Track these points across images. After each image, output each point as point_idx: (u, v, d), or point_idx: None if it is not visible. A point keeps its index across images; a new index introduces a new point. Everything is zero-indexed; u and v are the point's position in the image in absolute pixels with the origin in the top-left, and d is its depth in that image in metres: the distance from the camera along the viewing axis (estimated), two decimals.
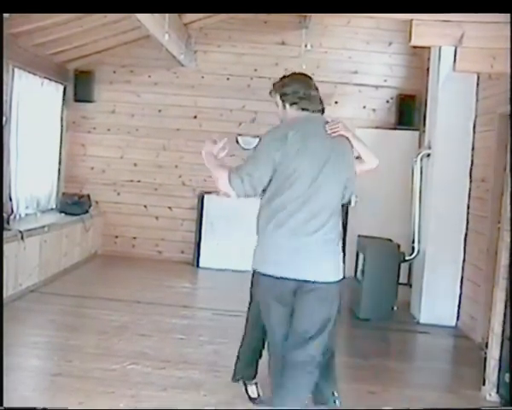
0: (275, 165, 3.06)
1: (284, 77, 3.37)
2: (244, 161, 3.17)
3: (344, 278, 3.29)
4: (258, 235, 3.24)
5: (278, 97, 3.31)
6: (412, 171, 6.50)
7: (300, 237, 3.07)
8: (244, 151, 8.47)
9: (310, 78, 3.36)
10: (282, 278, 3.08)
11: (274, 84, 3.37)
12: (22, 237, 6.02)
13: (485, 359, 4.35)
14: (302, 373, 3.16)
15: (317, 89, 3.30)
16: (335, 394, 3.65)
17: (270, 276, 3.11)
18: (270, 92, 3.37)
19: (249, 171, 3.07)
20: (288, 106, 3.27)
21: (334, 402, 3.63)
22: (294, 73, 3.40)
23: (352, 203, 3.55)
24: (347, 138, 3.23)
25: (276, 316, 3.19)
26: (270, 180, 3.10)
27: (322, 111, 3.31)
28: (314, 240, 3.08)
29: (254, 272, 3.34)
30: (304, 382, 3.20)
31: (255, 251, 3.23)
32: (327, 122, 3.22)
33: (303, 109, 3.23)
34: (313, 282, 3.09)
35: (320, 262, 3.10)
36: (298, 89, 3.25)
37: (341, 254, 3.26)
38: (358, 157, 3.36)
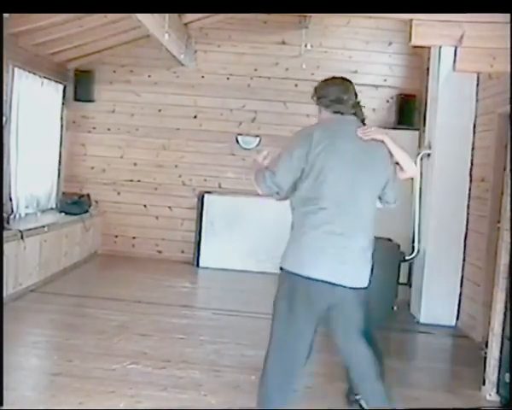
0: (300, 163, 3.07)
1: (323, 80, 3.40)
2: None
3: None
4: (291, 233, 3.24)
5: (315, 101, 3.35)
6: None
7: (336, 241, 3.07)
8: (244, 151, 8.50)
9: (349, 81, 3.36)
10: (318, 280, 3.05)
11: (314, 88, 3.40)
12: (22, 237, 6.02)
13: (485, 358, 4.35)
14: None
15: (354, 93, 3.30)
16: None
17: (306, 277, 3.06)
18: (312, 96, 3.39)
19: (272, 168, 3.13)
20: (322, 109, 3.31)
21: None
22: (334, 77, 3.41)
23: (396, 205, 3.47)
24: (384, 143, 3.19)
25: (301, 318, 3.16)
26: (301, 179, 3.10)
27: (359, 116, 3.29)
28: (351, 246, 3.11)
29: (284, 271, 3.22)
30: None
31: (287, 250, 3.21)
32: (361, 126, 3.21)
33: (335, 112, 3.25)
34: (349, 288, 3.13)
35: (355, 269, 3.15)
36: (332, 92, 3.26)
37: (371, 262, 3.30)
38: (397, 163, 3.28)
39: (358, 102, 3.30)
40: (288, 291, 3.15)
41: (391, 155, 3.20)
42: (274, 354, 3.21)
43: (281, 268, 3.21)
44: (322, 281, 3.05)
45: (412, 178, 6.48)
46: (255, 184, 3.24)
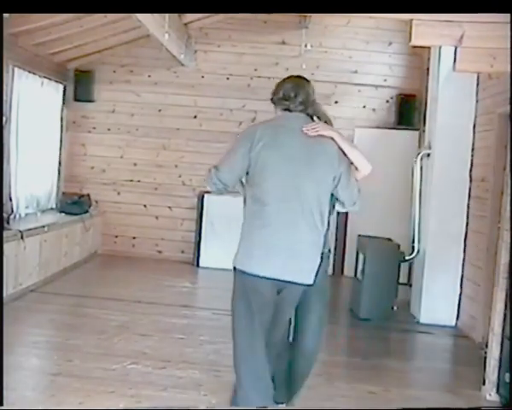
0: (244, 161, 3.14)
1: (281, 80, 3.44)
2: None
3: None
4: (241, 231, 3.24)
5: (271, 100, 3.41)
6: (412, 171, 6.49)
7: (281, 238, 3.09)
8: None
9: (304, 80, 3.38)
10: (266, 277, 3.10)
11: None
12: (22, 237, 6.02)
13: (485, 358, 4.35)
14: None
15: (307, 91, 3.31)
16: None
17: (255, 275, 3.12)
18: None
19: (217, 165, 3.20)
20: (275, 108, 3.36)
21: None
22: (289, 76, 3.45)
23: (357, 208, 3.43)
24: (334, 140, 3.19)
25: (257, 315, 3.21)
26: (248, 177, 3.17)
27: (315, 114, 3.32)
28: (297, 241, 3.10)
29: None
30: None
31: (238, 248, 3.23)
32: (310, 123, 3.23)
33: (284, 110, 3.30)
34: (294, 283, 3.15)
35: (301, 264, 3.13)
36: (280, 90, 3.31)
37: (319, 259, 3.23)
38: (352, 163, 3.27)
39: (313, 100, 3.33)
40: (241, 290, 3.21)
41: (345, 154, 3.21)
42: (242, 357, 3.25)
43: (234, 268, 3.25)
44: (270, 278, 3.10)
45: (412, 179, 6.50)
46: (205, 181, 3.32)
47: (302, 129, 3.16)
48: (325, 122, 3.32)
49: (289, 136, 3.16)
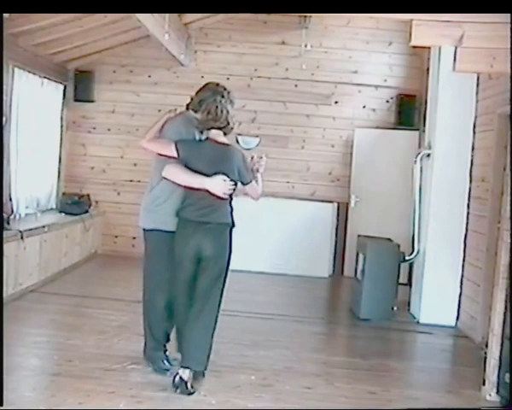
0: None
1: None
2: None
3: None
4: None
5: None
6: (412, 171, 6.49)
7: None
8: (244, 151, 8.49)
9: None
10: None
11: None
12: (22, 237, 6.02)
13: (485, 359, 4.35)
14: None
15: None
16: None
17: None
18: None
19: None
20: None
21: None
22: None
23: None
24: None
25: None
26: None
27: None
28: None
29: None
30: None
31: None
32: None
33: None
34: None
35: None
36: None
37: None
38: None
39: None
40: None
41: None
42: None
43: None
44: None
45: (412, 179, 6.49)
46: None
47: None
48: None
49: None
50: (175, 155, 3.97)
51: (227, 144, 4.07)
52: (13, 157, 6.94)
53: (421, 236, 6.39)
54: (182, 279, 4.05)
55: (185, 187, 4.00)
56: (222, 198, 3.94)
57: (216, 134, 4.02)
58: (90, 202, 8.38)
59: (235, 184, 4.02)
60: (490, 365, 4.27)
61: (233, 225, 4.07)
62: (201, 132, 4.09)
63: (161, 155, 4.08)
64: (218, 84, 4.23)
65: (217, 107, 3.97)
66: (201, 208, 3.97)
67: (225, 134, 4.05)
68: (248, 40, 8.65)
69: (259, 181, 4.21)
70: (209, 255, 3.97)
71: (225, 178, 3.93)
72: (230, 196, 4.02)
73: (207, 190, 3.91)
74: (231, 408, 3.87)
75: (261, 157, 4.22)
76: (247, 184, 4.11)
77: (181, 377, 3.92)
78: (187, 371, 3.94)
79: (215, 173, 3.92)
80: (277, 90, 8.58)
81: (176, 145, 3.97)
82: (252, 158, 4.23)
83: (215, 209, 3.98)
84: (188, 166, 3.97)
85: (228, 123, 4.00)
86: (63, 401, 3.73)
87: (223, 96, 4.07)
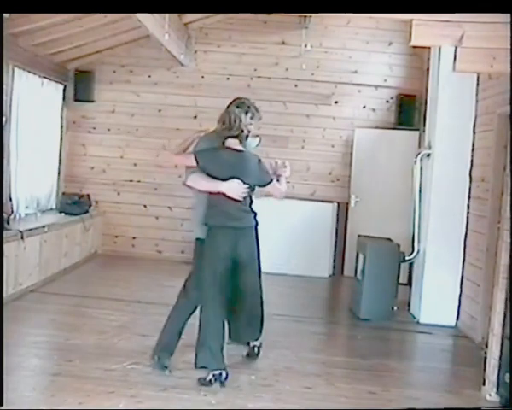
0: None
1: None
2: None
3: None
4: None
5: None
6: (412, 171, 6.49)
7: None
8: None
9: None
10: None
11: None
12: (22, 237, 6.02)
13: (485, 359, 4.35)
14: None
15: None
16: None
17: None
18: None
19: None
20: None
21: None
22: None
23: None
24: None
25: None
26: None
27: None
28: None
29: None
30: None
31: None
32: None
33: None
34: None
35: None
36: None
37: None
38: None
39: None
40: None
41: None
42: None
43: None
44: None
45: (412, 179, 6.49)
46: None
47: None
48: None
49: None
50: (194, 164, 4.20)
51: (242, 151, 4.28)
52: (13, 157, 6.94)
53: (421, 236, 6.39)
54: (218, 285, 4.24)
55: (210, 193, 4.23)
56: (238, 200, 4.16)
57: (232, 143, 4.25)
58: (90, 202, 8.38)
59: (251, 188, 4.23)
60: (490, 365, 4.27)
61: (257, 224, 4.37)
62: (223, 143, 4.29)
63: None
64: (239, 98, 4.51)
65: (230, 117, 4.24)
66: (230, 214, 4.20)
67: (241, 142, 4.27)
68: (248, 40, 8.65)
69: (283, 182, 4.47)
70: (246, 257, 4.29)
71: (239, 181, 4.14)
72: (250, 199, 4.28)
73: (224, 194, 4.13)
74: (231, 408, 3.88)
75: (285, 166, 4.49)
76: (266, 185, 4.35)
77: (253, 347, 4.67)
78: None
79: (230, 178, 4.13)
80: (277, 90, 8.58)
81: (195, 155, 4.23)
82: (276, 163, 4.52)
83: (243, 214, 4.26)
84: (207, 174, 4.20)
85: (242, 131, 4.24)
86: (63, 401, 3.73)
87: (238, 107, 4.32)
